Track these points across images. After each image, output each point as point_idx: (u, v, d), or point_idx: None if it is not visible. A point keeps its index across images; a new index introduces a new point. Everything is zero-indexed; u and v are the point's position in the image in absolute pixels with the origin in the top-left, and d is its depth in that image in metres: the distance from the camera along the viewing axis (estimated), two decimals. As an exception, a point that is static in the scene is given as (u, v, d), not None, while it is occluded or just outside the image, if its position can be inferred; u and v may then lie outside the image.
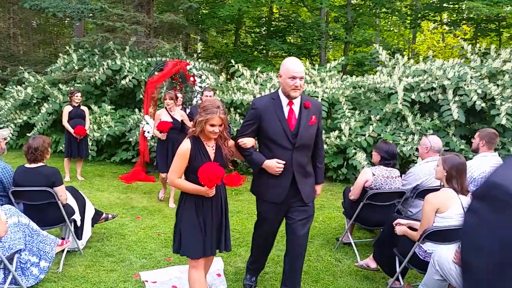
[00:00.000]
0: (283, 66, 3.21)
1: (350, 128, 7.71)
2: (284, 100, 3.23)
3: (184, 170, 3.01)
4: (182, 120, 6.23)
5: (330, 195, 7.11)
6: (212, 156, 3.02)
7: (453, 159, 3.34)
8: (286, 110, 3.23)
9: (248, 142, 3.24)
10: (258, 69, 9.52)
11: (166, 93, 6.31)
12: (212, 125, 2.92)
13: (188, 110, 7.05)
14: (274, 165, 3.19)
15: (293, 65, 3.14)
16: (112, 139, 8.99)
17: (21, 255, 3.58)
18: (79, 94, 7.71)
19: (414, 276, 4.05)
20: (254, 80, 9.19)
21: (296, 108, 3.25)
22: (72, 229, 4.22)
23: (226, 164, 3.06)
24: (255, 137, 3.32)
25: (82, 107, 7.75)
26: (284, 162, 3.18)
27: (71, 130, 7.40)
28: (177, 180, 3.00)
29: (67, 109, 7.56)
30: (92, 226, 4.62)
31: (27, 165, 4.02)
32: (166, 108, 6.20)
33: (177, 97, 6.46)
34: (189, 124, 5.93)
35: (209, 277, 3.88)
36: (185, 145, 2.98)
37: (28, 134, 9.51)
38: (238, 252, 4.52)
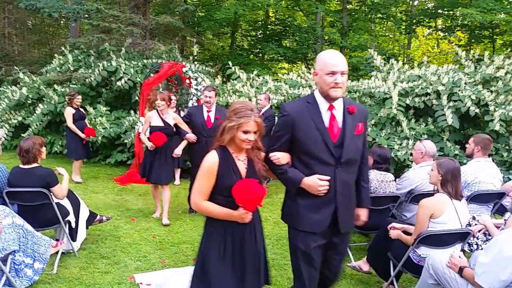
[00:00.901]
0: (319, 60, 2.63)
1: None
2: (323, 104, 2.63)
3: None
4: (175, 124, 5.54)
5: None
6: (243, 172, 2.49)
7: (448, 164, 3.37)
8: (326, 116, 2.63)
9: (283, 157, 2.65)
10: (255, 72, 9.55)
11: (158, 93, 5.56)
12: (246, 132, 2.41)
13: (183, 113, 6.98)
14: (316, 182, 2.57)
15: (331, 57, 2.57)
16: (107, 140, 8.96)
17: (15, 256, 3.56)
18: (80, 96, 7.64)
19: (408, 280, 4.08)
20: (250, 83, 9.21)
21: (338, 113, 2.66)
22: (67, 230, 4.21)
23: (260, 182, 2.49)
24: (287, 151, 2.69)
25: (81, 109, 7.75)
26: (328, 177, 2.59)
27: (80, 133, 7.33)
28: (204, 203, 2.45)
29: (69, 111, 7.42)
30: (87, 228, 4.60)
31: (22, 166, 4.01)
32: (157, 110, 5.48)
33: (170, 99, 5.81)
34: (185, 127, 5.61)
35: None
36: (212, 158, 2.44)
37: (23, 135, 9.44)
38: None
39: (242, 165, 2.50)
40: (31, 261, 3.66)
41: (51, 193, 3.98)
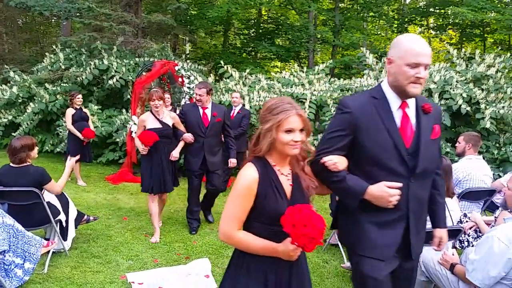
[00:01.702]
0: (400, 45, 2.09)
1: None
2: (394, 101, 2.14)
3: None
4: (173, 124, 4.92)
5: (317, 197, 7.13)
6: (288, 191, 1.92)
7: (439, 162, 3.38)
8: (397, 115, 2.14)
9: (340, 161, 2.09)
10: (247, 71, 9.54)
11: (152, 91, 4.77)
12: (289, 131, 1.84)
13: (178, 111, 6.83)
14: (386, 191, 2.03)
15: (417, 44, 2.03)
16: (99, 139, 8.91)
17: (5, 256, 3.53)
18: (80, 96, 7.40)
19: (400, 277, 4.09)
20: (242, 82, 9.20)
21: (411, 112, 2.17)
22: (58, 229, 4.18)
23: (308, 203, 1.93)
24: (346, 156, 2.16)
25: (84, 109, 7.54)
26: (400, 185, 2.06)
27: (78, 134, 7.12)
28: (239, 234, 1.87)
29: (70, 112, 7.21)
30: (76, 227, 4.57)
31: (13, 164, 3.96)
32: (152, 111, 4.76)
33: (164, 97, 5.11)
34: (183, 128, 5.02)
35: (196, 278, 3.88)
36: (250, 174, 1.86)
37: (13, 134, 9.37)
38: (226, 254, 4.51)
39: (286, 181, 1.92)
40: (21, 261, 3.62)
41: (45, 191, 3.95)
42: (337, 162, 2.07)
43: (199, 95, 5.06)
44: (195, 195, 5.29)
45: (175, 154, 4.92)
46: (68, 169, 4.24)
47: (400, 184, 2.05)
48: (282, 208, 1.80)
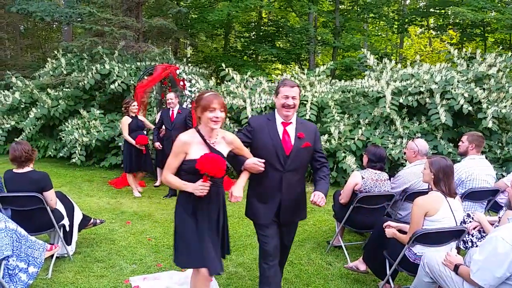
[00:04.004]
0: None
1: (339, 132, 7.76)
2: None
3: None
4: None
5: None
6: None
7: (440, 162, 3.38)
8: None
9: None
10: (249, 73, 9.55)
11: (211, 95, 2.88)
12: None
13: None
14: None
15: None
16: (101, 143, 8.92)
17: (8, 261, 3.53)
18: (135, 103, 7.08)
19: (404, 278, 4.09)
20: (244, 85, 9.21)
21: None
22: (61, 234, 4.18)
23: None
24: None
25: (140, 117, 7.22)
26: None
27: (133, 142, 6.83)
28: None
29: (126, 120, 6.93)
30: (79, 231, 4.57)
31: (16, 170, 3.98)
32: (199, 128, 2.96)
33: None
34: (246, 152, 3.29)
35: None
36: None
37: (16, 139, 9.39)
38: (229, 257, 4.50)
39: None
40: (25, 266, 3.63)
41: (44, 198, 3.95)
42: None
43: (293, 97, 3.17)
44: None
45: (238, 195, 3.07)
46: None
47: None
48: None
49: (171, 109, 6.99)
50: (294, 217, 3.35)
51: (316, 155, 3.33)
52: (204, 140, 2.87)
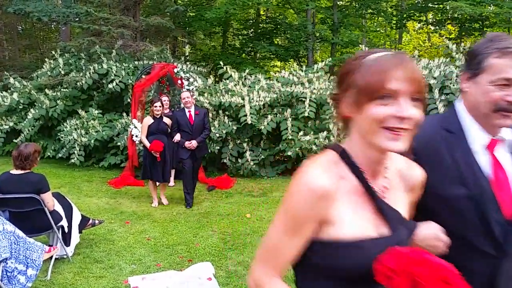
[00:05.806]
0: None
1: (338, 129, 7.75)
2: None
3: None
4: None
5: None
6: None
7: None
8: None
9: None
10: (247, 71, 9.53)
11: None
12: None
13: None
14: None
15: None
16: (100, 143, 8.91)
17: (7, 263, 3.52)
18: (158, 103, 6.22)
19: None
20: (242, 82, 9.19)
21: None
22: (60, 235, 4.17)
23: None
24: None
25: (165, 119, 6.37)
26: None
27: (148, 145, 6.13)
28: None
29: (146, 121, 6.29)
30: (80, 232, 4.56)
31: (13, 172, 3.96)
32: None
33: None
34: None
35: (199, 281, 3.87)
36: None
37: (14, 140, 9.39)
38: (228, 256, 4.50)
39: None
40: (24, 268, 3.62)
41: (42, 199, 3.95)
42: None
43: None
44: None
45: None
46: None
47: None
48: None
49: (187, 109, 6.20)
50: None
51: None
52: (365, 185, 1.10)
